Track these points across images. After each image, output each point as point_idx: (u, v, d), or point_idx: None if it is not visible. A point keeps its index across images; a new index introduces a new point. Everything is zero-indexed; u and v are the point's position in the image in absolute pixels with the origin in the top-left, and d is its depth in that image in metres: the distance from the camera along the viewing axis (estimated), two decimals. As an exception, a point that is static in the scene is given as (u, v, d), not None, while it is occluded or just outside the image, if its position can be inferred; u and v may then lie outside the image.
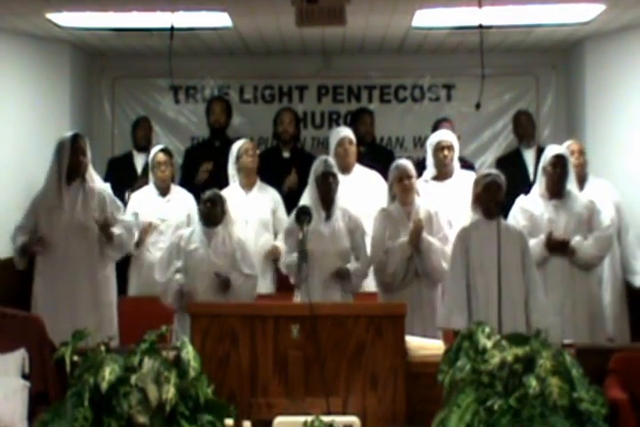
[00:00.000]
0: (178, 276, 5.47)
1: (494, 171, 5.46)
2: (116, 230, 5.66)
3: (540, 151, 7.23)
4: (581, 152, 6.27)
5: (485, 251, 5.07)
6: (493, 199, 5.20)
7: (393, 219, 5.65)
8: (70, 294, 5.51)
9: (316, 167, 5.64)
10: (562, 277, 5.57)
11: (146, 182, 6.73)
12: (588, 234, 5.60)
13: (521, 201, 5.77)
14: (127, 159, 7.35)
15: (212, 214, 5.55)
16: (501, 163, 7.20)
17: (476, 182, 5.36)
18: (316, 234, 5.43)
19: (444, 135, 6.48)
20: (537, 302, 5.13)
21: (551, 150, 5.76)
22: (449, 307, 5.14)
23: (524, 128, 7.37)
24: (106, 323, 5.59)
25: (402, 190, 5.67)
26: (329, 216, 5.61)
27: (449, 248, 5.42)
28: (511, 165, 7.00)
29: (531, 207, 5.70)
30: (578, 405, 3.35)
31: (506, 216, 5.63)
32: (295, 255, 5.29)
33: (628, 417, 4.02)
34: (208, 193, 5.63)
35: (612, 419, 3.55)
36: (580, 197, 5.71)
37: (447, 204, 6.03)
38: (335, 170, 5.66)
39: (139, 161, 7.27)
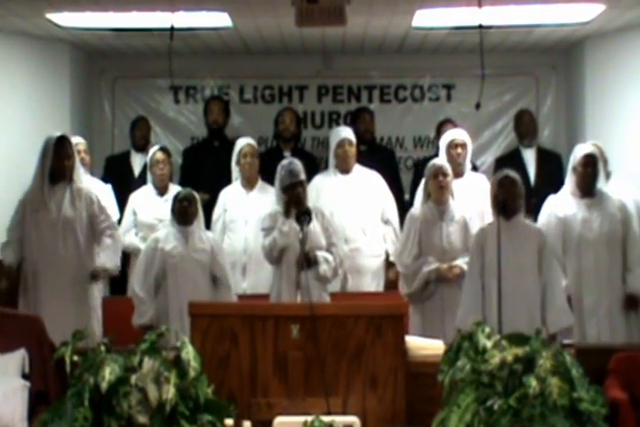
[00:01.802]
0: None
1: (508, 170, 5.41)
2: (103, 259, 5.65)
3: (540, 151, 7.26)
4: (601, 154, 6.21)
5: (501, 251, 5.01)
6: (508, 194, 5.15)
7: (426, 219, 5.57)
8: (57, 293, 5.49)
9: (281, 178, 5.52)
10: (597, 278, 5.53)
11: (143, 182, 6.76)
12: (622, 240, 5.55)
13: (552, 200, 5.73)
14: (124, 158, 7.37)
15: (189, 213, 5.63)
16: (501, 163, 7.18)
17: (492, 184, 5.34)
18: (294, 233, 5.36)
19: (458, 134, 6.48)
20: (554, 301, 5.08)
21: (581, 150, 5.68)
22: (466, 308, 5.09)
23: (527, 127, 7.35)
24: (93, 321, 5.60)
25: (437, 187, 5.58)
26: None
27: None
28: (511, 164, 6.95)
29: (563, 206, 5.64)
30: (578, 405, 3.35)
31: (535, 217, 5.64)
32: (274, 236, 5.43)
33: (628, 417, 4.01)
34: (183, 192, 5.72)
35: (612, 419, 3.55)
36: (612, 196, 5.67)
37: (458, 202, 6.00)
38: (302, 176, 5.52)
39: (136, 160, 7.27)
